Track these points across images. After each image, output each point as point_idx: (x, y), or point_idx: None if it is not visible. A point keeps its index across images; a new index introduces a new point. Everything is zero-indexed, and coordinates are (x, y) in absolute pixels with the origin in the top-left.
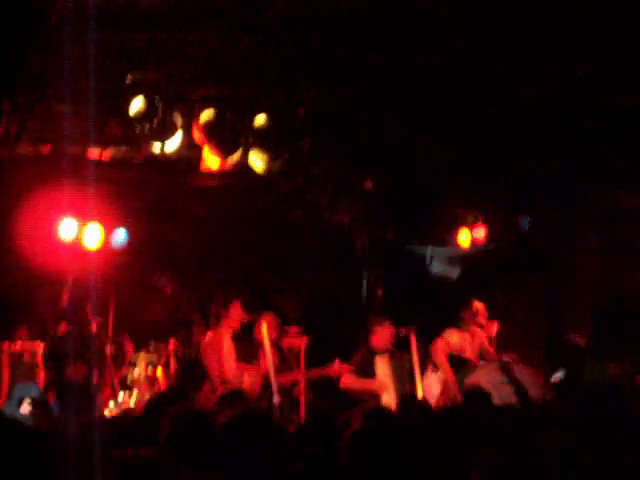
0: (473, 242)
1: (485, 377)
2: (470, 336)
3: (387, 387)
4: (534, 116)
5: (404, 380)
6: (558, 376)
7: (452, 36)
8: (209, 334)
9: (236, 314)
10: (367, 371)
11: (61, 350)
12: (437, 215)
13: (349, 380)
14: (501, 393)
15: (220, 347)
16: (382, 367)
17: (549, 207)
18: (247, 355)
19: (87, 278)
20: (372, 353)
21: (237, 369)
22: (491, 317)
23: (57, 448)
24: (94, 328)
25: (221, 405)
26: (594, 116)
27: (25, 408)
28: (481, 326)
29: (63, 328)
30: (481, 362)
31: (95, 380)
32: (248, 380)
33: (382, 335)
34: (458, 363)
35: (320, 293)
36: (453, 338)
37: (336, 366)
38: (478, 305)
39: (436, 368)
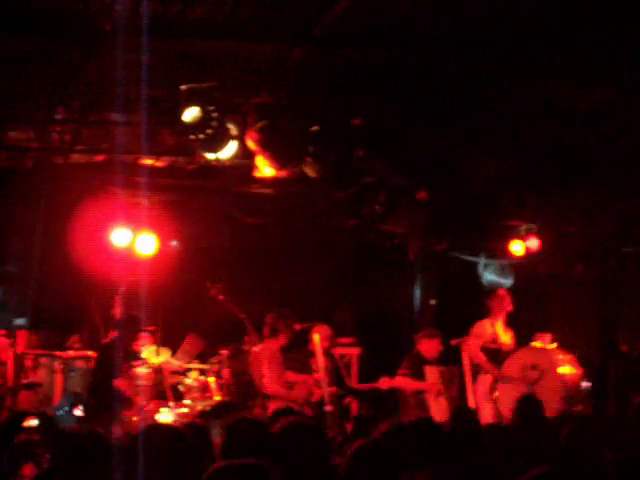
0: (526, 252)
1: (515, 364)
2: (503, 323)
3: (438, 392)
4: (587, 127)
5: (452, 392)
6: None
7: (507, 48)
8: (259, 346)
9: (290, 330)
10: (418, 376)
11: (107, 357)
12: (490, 225)
13: (403, 381)
14: (529, 378)
15: (266, 360)
16: (431, 376)
17: (602, 218)
18: (299, 365)
19: (139, 286)
20: (422, 361)
21: (282, 381)
22: (545, 327)
23: (108, 453)
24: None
25: (274, 418)
26: None
27: (77, 415)
28: (509, 311)
29: (111, 335)
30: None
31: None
32: (297, 391)
33: (429, 346)
34: (492, 353)
35: (373, 303)
36: (484, 330)
37: (384, 381)
38: (503, 291)
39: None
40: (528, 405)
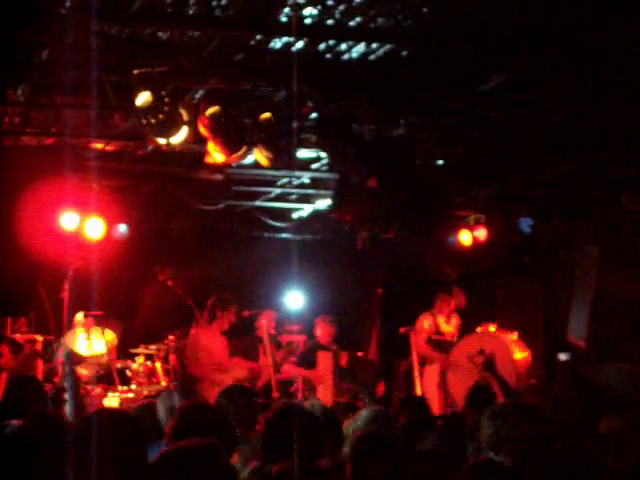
0: (474, 242)
1: (461, 352)
2: (445, 317)
3: (325, 380)
4: (539, 119)
5: (343, 376)
6: (564, 357)
7: (458, 36)
8: (193, 331)
9: (228, 317)
10: (309, 363)
11: None
12: (439, 215)
13: (290, 369)
14: (477, 364)
15: (199, 343)
16: (324, 362)
17: (551, 210)
18: (246, 351)
19: (87, 271)
20: (316, 348)
21: (214, 365)
22: (490, 317)
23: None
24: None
25: (223, 397)
26: (601, 120)
27: None
28: (453, 310)
29: None
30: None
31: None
32: (238, 374)
33: (322, 332)
34: (436, 344)
35: (321, 291)
36: (423, 324)
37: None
38: (456, 292)
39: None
40: (479, 392)
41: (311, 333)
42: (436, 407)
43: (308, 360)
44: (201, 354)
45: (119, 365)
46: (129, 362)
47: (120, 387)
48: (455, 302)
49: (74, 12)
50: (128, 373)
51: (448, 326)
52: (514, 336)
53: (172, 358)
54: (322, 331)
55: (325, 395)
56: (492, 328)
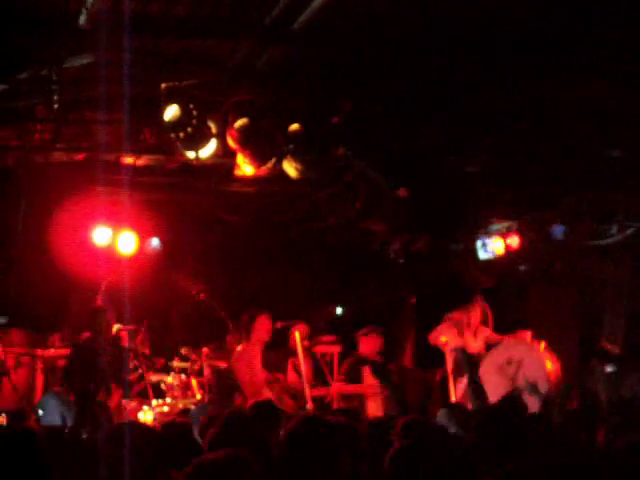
0: (507, 250)
1: (491, 363)
2: (472, 332)
3: (375, 394)
4: (570, 127)
5: (389, 388)
6: (609, 369)
7: (483, 45)
8: (240, 347)
9: (264, 327)
10: (355, 378)
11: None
12: (471, 223)
13: (339, 387)
14: (507, 373)
15: (251, 360)
16: (368, 376)
17: (583, 217)
18: (278, 364)
19: (120, 285)
20: (360, 361)
21: (260, 380)
22: (524, 324)
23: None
24: (124, 335)
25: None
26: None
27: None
28: (478, 324)
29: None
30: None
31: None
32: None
33: (368, 344)
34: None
35: (354, 302)
36: (444, 338)
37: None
38: (477, 303)
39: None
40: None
41: (345, 344)
42: None
43: (354, 375)
44: (254, 369)
45: (153, 379)
46: (163, 376)
47: (155, 401)
48: (476, 315)
49: (103, 27)
50: (162, 386)
51: (476, 341)
52: (542, 345)
53: (206, 371)
54: (369, 344)
55: (377, 409)
56: (528, 336)
